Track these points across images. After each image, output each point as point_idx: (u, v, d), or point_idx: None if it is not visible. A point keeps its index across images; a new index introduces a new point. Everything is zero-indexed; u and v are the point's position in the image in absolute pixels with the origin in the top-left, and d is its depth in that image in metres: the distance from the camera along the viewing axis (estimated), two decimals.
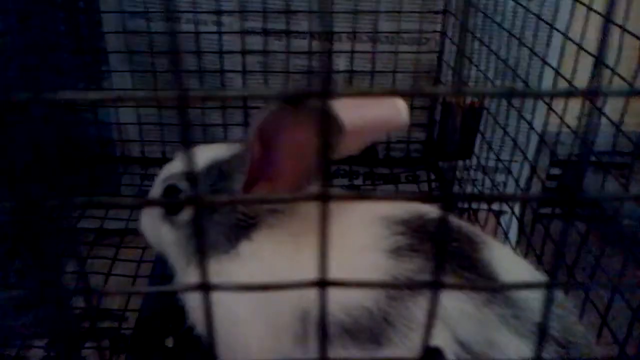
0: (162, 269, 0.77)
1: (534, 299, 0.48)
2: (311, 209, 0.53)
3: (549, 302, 0.26)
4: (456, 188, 1.08)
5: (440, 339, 0.46)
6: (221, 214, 0.58)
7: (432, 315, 0.22)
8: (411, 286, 0.48)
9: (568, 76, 0.70)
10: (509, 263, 0.52)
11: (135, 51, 0.99)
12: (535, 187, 1.16)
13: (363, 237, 0.53)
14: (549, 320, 0.46)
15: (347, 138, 0.52)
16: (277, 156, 0.54)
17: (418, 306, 0.47)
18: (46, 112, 0.94)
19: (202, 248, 0.21)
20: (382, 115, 0.60)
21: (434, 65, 1.05)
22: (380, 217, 0.54)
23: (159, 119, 1.04)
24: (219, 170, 0.59)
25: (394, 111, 0.59)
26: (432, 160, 1.12)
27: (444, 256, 0.46)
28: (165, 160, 1.01)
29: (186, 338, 0.81)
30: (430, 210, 0.56)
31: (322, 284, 0.21)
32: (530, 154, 0.96)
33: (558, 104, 0.74)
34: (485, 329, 0.46)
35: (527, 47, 0.79)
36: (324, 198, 0.21)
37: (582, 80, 0.72)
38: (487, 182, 1.08)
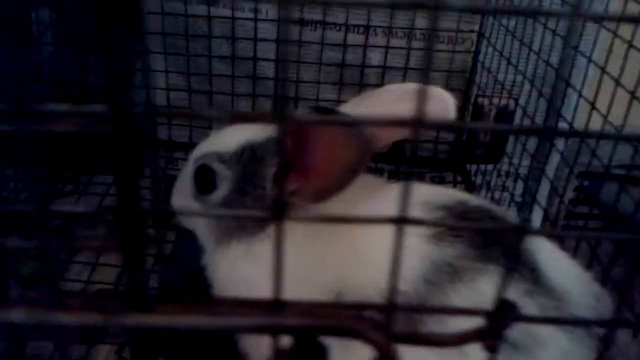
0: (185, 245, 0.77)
1: (575, 293, 0.47)
2: (346, 193, 0.52)
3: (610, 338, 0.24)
4: (484, 193, 1.06)
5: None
6: (252, 198, 0.57)
7: (514, 258, 0.21)
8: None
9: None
10: (551, 255, 0.51)
11: (171, 33, 0.99)
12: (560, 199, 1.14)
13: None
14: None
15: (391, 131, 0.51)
16: (312, 154, 0.53)
17: (457, 293, 0.46)
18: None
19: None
20: (430, 109, 0.58)
21: (468, 65, 1.03)
22: (422, 202, 0.53)
23: (188, 103, 1.04)
24: (252, 153, 0.58)
25: (441, 105, 0.58)
26: (459, 162, 1.11)
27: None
28: (192, 145, 1.01)
29: None
30: (472, 198, 0.55)
31: (401, 220, 0.20)
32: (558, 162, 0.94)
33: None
34: None
35: (553, 68, 0.77)
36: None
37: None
38: (518, 189, 1.07)
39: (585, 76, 0.81)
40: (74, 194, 1.00)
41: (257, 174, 0.57)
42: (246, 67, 1.01)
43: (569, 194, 1.16)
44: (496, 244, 0.49)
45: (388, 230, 0.51)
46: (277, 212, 0.19)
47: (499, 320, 0.22)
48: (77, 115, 0.19)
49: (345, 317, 0.21)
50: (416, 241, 0.50)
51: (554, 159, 1.02)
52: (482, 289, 0.45)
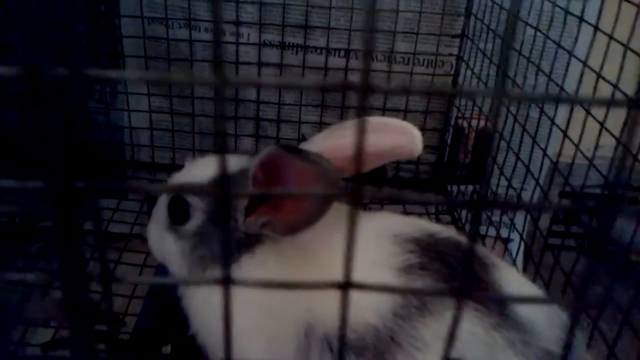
0: (164, 275, 0.77)
1: (543, 325, 0.47)
2: (318, 224, 0.53)
3: (569, 341, 0.25)
4: (465, 214, 1.07)
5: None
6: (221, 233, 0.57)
7: (455, 323, 0.21)
8: (434, 294, 0.47)
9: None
10: (517, 286, 0.52)
11: (153, 57, 1.00)
12: (544, 219, 1.15)
13: (374, 254, 0.52)
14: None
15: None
16: (280, 188, 0.54)
17: (426, 326, 0.46)
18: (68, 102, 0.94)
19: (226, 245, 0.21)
20: (397, 142, 0.59)
21: (448, 87, 1.05)
22: (391, 235, 0.53)
23: (170, 125, 1.04)
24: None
25: (409, 138, 0.59)
26: (441, 183, 1.12)
27: (470, 264, 0.45)
28: (174, 166, 1.01)
29: (185, 346, 0.79)
30: (441, 230, 0.55)
31: (346, 285, 0.21)
32: (541, 184, 0.95)
33: (571, 132, 0.74)
34: (494, 353, 0.45)
35: (545, 74, 0.79)
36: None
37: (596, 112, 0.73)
38: (497, 212, 1.08)
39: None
40: None
41: (228, 205, 0.58)
42: (228, 90, 1.02)
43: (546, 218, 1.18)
44: (463, 277, 0.50)
45: (359, 262, 0.52)
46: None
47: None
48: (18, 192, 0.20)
49: None
50: (386, 275, 0.50)
51: (532, 182, 1.04)
52: (448, 321, 0.46)
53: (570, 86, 0.78)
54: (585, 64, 0.71)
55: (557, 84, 0.79)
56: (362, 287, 0.20)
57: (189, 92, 1.02)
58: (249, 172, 0.53)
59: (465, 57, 1.01)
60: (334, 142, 0.58)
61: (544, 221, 1.17)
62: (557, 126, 0.76)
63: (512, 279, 0.52)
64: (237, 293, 0.53)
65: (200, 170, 0.61)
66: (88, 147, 1.06)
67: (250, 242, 0.57)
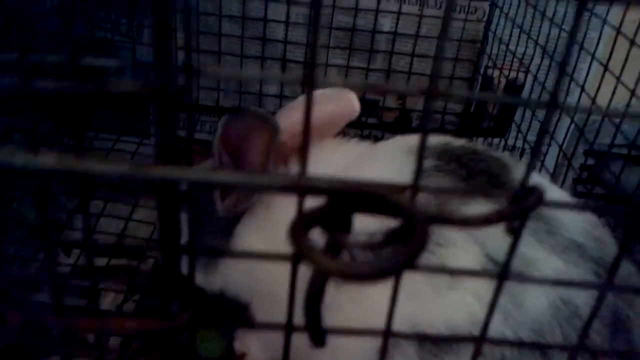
0: None
1: (567, 218, 0.47)
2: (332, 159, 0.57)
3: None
4: None
5: (470, 253, 0.45)
6: (209, 217, 0.63)
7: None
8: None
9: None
10: (544, 184, 0.52)
11: None
12: (567, 181, 1.14)
13: (389, 165, 0.54)
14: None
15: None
16: (245, 161, 0.58)
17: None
18: None
19: None
20: (335, 109, 0.62)
21: (479, 35, 1.03)
22: (406, 148, 0.55)
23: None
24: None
25: (345, 103, 0.62)
26: (466, 134, 1.10)
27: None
28: (219, 108, 1.01)
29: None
30: (455, 139, 0.56)
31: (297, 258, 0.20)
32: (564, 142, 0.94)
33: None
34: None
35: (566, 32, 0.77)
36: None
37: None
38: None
39: (597, 45, 0.81)
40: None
41: (206, 203, 0.63)
42: (256, 28, 1.01)
43: (572, 174, 1.16)
44: (481, 174, 0.50)
45: (374, 172, 0.54)
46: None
47: (524, 202, 0.22)
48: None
49: (374, 185, 0.21)
50: (401, 179, 0.51)
51: (560, 135, 1.02)
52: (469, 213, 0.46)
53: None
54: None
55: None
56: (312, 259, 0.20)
57: (216, 30, 1.01)
58: (215, 150, 0.58)
59: (499, 4, 0.99)
60: (285, 121, 0.60)
61: (567, 183, 1.16)
62: (597, 60, 0.73)
63: (533, 177, 0.52)
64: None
65: None
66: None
67: (231, 226, 0.62)
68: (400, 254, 0.20)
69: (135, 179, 0.20)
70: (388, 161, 0.54)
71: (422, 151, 0.22)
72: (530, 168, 0.22)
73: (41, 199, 0.21)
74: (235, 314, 0.74)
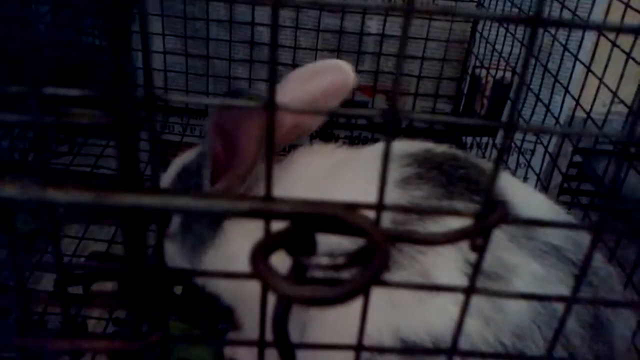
0: None
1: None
2: (279, 183, 0.57)
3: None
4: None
5: (451, 258, 0.45)
6: (195, 219, 0.62)
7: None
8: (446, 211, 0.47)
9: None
10: (517, 188, 0.52)
11: None
12: (556, 176, 1.14)
13: (371, 172, 0.54)
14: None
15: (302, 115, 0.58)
16: (238, 147, 0.57)
17: (427, 230, 0.47)
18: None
19: None
20: (330, 82, 0.60)
21: (467, 35, 1.03)
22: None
23: (184, 68, 1.03)
24: (187, 172, 0.63)
25: (340, 75, 0.59)
26: (456, 134, 1.11)
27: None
28: (188, 110, 1.01)
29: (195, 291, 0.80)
30: (437, 146, 0.56)
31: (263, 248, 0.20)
32: (553, 141, 0.95)
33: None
34: (496, 249, 0.45)
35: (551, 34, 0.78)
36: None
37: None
38: (511, 162, 1.07)
39: (580, 44, 0.81)
40: (69, 155, 1.00)
41: (195, 188, 0.62)
42: (244, 32, 1.01)
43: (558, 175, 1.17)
44: (460, 180, 0.51)
45: (356, 180, 0.54)
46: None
47: (486, 220, 0.22)
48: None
49: (335, 206, 0.21)
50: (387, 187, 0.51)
51: (546, 136, 1.03)
52: (449, 225, 0.46)
53: None
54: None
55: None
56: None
57: (204, 34, 1.01)
58: (208, 135, 0.56)
59: (485, 4, 0.99)
60: (288, 92, 0.59)
61: (556, 179, 1.16)
62: (581, 61, 0.74)
63: (512, 182, 0.53)
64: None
65: (166, 175, 0.66)
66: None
67: (217, 221, 0.60)
68: (363, 275, 0.20)
69: (99, 206, 0.20)
70: (369, 169, 0.54)
71: (385, 165, 0.22)
72: (491, 186, 0.23)
73: (6, 225, 0.21)
74: (221, 315, 0.74)
